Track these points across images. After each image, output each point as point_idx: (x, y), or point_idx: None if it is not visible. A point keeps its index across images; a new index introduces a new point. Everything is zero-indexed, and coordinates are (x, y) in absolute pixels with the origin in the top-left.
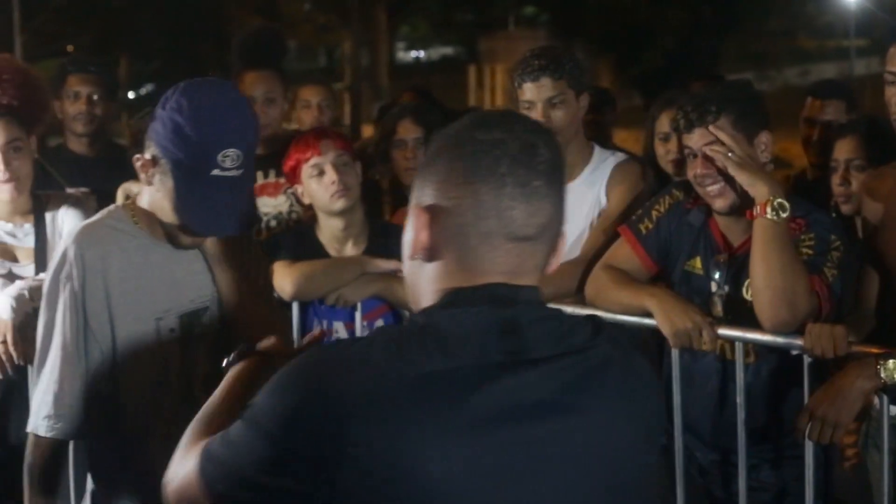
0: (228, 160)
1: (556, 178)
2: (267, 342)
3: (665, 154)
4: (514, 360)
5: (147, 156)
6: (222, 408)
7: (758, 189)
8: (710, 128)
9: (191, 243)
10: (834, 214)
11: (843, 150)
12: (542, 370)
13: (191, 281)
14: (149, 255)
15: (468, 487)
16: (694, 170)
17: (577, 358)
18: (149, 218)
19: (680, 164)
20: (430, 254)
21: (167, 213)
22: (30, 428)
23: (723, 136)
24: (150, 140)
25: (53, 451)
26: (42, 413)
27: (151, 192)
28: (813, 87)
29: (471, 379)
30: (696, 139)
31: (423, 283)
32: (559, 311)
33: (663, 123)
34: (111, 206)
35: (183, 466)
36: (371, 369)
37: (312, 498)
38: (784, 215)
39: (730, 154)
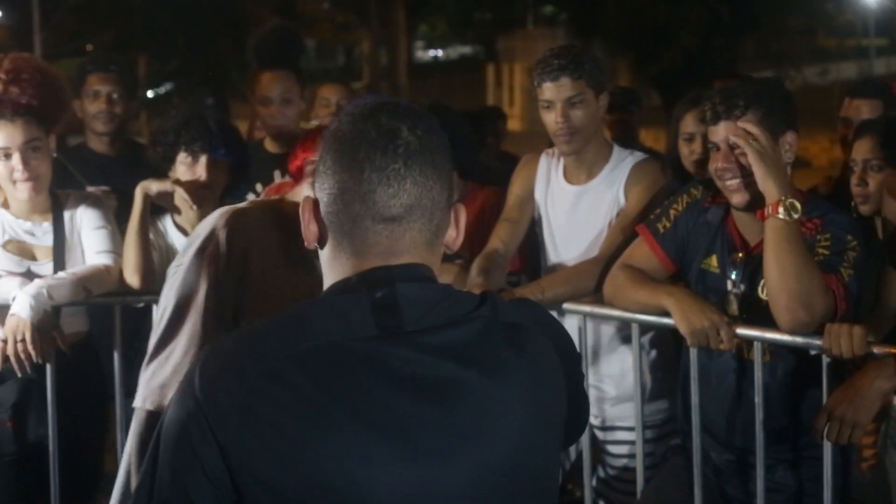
0: None
1: (419, 159)
2: None
3: (689, 154)
4: (390, 333)
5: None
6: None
7: (768, 186)
8: (739, 123)
9: None
10: (855, 215)
11: (861, 150)
12: (417, 341)
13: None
14: (290, 256)
15: (346, 453)
16: (715, 163)
17: (456, 329)
18: (297, 218)
19: (703, 164)
20: (320, 241)
21: None
22: (139, 404)
23: (751, 128)
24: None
25: None
26: (160, 388)
27: (308, 191)
28: (850, 87)
29: (349, 351)
30: (720, 132)
31: (325, 269)
32: (440, 286)
33: (688, 123)
34: (261, 198)
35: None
36: (251, 352)
37: (231, 476)
38: (795, 216)
39: (752, 142)
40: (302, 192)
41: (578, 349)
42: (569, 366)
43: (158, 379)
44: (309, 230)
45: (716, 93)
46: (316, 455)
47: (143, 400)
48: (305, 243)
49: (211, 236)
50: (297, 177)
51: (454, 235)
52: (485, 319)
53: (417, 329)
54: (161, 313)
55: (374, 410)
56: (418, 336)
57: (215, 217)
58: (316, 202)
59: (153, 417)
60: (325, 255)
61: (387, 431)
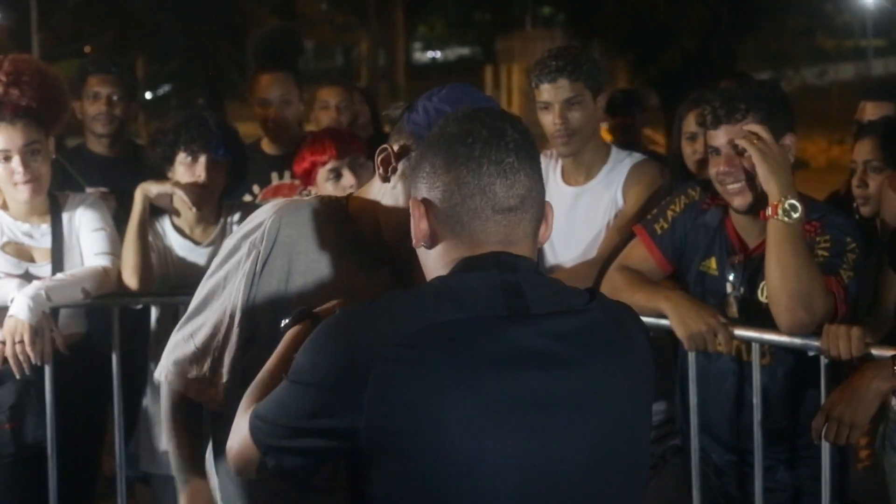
0: None
1: (527, 154)
2: (326, 305)
3: (692, 154)
4: (518, 315)
5: (395, 147)
6: (274, 372)
7: (771, 186)
8: (745, 127)
9: (411, 255)
10: (857, 216)
11: (862, 152)
12: (543, 324)
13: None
14: (343, 256)
15: (476, 420)
16: (717, 167)
17: (575, 317)
18: (361, 216)
19: (706, 163)
20: (432, 240)
21: (398, 212)
22: (158, 374)
23: (756, 128)
24: (402, 134)
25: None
26: (179, 364)
27: (384, 189)
28: (865, 90)
29: (482, 327)
30: (721, 136)
31: (432, 263)
32: (555, 279)
33: (690, 123)
34: (324, 195)
35: (239, 431)
36: (393, 319)
37: (353, 438)
38: (796, 216)
39: (756, 142)
40: (372, 188)
41: None
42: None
43: (178, 354)
44: (420, 229)
45: (715, 97)
46: (444, 421)
47: (161, 370)
48: (414, 242)
49: (260, 224)
50: (305, 179)
51: (544, 230)
52: (599, 311)
53: (542, 313)
54: (200, 287)
55: (504, 385)
56: (543, 319)
57: (268, 207)
58: (426, 202)
59: (169, 389)
60: (437, 252)
61: (514, 405)
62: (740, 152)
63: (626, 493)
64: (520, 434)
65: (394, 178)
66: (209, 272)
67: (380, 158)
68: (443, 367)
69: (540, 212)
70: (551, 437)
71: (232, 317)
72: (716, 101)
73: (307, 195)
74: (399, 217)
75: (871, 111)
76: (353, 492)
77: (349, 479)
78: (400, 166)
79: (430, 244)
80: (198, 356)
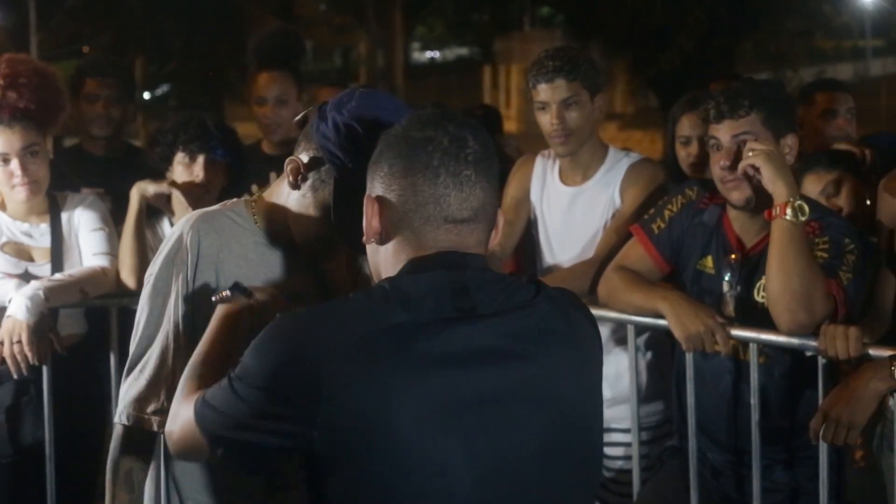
0: None
1: (485, 166)
2: (262, 289)
3: (686, 157)
4: (466, 315)
5: (304, 158)
6: (211, 356)
7: (778, 188)
8: (748, 145)
9: (321, 255)
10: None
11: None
12: (490, 322)
13: (298, 293)
14: (264, 257)
15: (427, 421)
16: (717, 161)
17: (522, 313)
18: (271, 219)
19: (699, 166)
20: (382, 237)
21: (308, 220)
22: (116, 419)
23: (756, 145)
24: (311, 143)
25: (144, 442)
26: (136, 402)
27: (293, 196)
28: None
29: (429, 329)
30: (723, 130)
31: (382, 260)
32: (503, 275)
33: (684, 126)
34: (233, 200)
35: (180, 417)
36: (342, 323)
37: (306, 442)
38: (803, 218)
39: (761, 144)
40: (282, 192)
41: None
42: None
43: (133, 392)
44: (371, 226)
45: (719, 92)
46: (396, 424)
47: (119, 415)
48: (364, 238)
49: (178, 243)
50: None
51: (494, 237)
52: (545, 304)
53: (489, 313)
54: (136, 325)
55: (454, 384)
56: (490, 318)
57: (182, 223)
58: (379, 200)
59: (129, 432)
60: (386, 250)
61: (464, 403)
62: (741, 149)
63: (582, 485)
64: (472, 432)
65: (304, 187)
66: (141, 307)
67: (289, 168)
68: (392, 370)
69: (493, 222)
70: (503, 434)
71: (176, 339)
72: (720, 97)
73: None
74: (309, 224)
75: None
76: (310, 493)
77: (307, 481)
78: (311, 177)
79: (381, 242)
80: (152, 388)
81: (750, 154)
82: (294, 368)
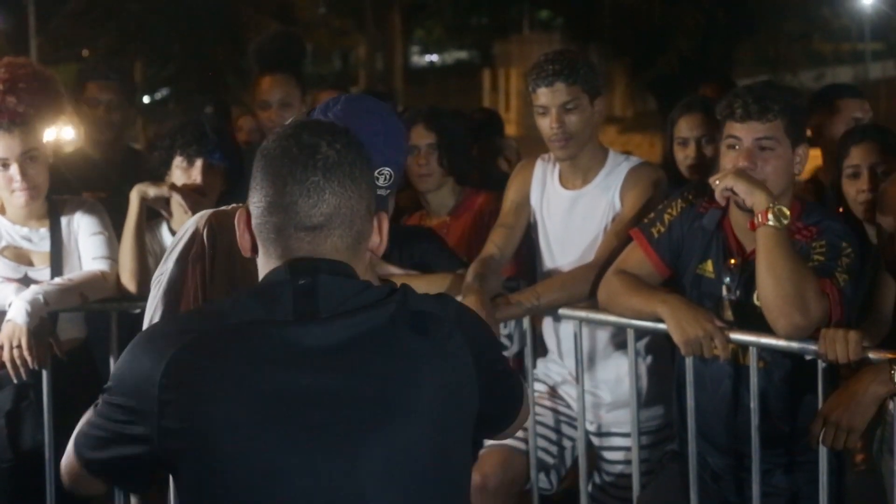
0: (382, 178)
1: (338, 172)
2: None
3: (684, 159)
4: (303, 318)
5: None
6: None
7: (756, 197)
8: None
9: None
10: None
11: (863, 156)
12: (328, 324)
13: None
14: None
15: (249, 421)
16: (734, 161)
17: (365, 314)
18: None
19: (698, 168)
20: (251, 250)
21: None
22: None
23: (779, 135)
24: None
25: None
26: None
27: None
28: (837, 90)
29: (262, 329)
30: (746, 131)
31: (260, 273)
32: (360, 281)
33: (682, 128)
34: (235, 205)
35: (68, 448)
36: (186, 325)
37: (149, 444)
38: (785, 222)
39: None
40: None
41: (574, 355)
42: (482, 355)
43: None
44: (244, 240)
45: (746, 91)
46: (227, 424)
47: None
48: (242, 252)
49: (193, 238)
50: None
51: (378, 241)
52: (394, 305)
53: (330, 315)
54: (148, 323)
55: (286, 387)
56: (330, 321)
57: (195, 219)
58: (248, 213)
59: None
60: (259, 262)
61: (296, 407)
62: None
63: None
64: (302, 440)
65: None
66: (153, 306)
67: None
68: (220, 370)
69: (358, 225)
70: (337, 443)
71: None
72: (748, 97)
73: None
74: None
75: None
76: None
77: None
78: None
79: (252, 253)
80: None
81: (717, 182)
82: (140, 369)
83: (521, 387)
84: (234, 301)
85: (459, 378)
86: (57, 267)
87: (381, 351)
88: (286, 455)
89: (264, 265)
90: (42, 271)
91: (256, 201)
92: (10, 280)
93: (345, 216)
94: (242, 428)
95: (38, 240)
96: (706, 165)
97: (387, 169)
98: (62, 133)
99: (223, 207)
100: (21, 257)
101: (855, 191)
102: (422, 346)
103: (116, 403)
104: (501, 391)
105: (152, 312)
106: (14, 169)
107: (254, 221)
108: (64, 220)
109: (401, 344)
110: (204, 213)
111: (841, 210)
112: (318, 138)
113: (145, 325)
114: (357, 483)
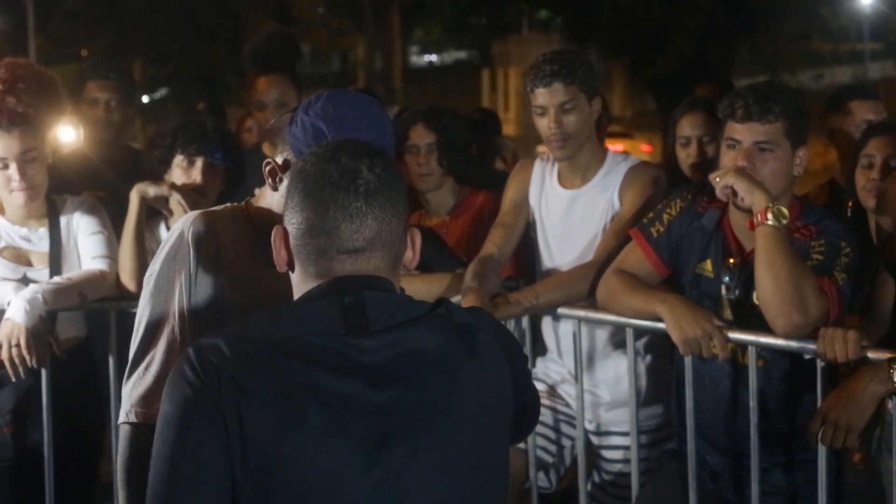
0: None
1: (378, 197)
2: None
3: (686, 158)
4: (355, 332)
5: (279, 160)
6: None
7: (755, 197)
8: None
9: None
10: (850, 214)
11: (881, 147)
12: (379, 337)
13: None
14: (262, 255)
15: (315, 430)
16: (733, 160)
17: (414, 328)
18: (261, 220)
19: (700, 167)
20: (289, 266)
21: None
22: (123, 419)
23: (779, 138)
24: (286, 145)
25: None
26: (143, 399)
27: (275, 198)
28: (850, 91)
29: (316, 342)
30: (746, 132)
31: (295, 289)
32: (402, 295)
33: (684, 127)
34: (227, 204)
35: None
36: (235, 341)
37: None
38: (784, 221)
39: (720, 173)
40: (266, 194)
41: (574, 354)
42: (515, 365)
43: (140, 390)
44: (280, 256)
45: (748, 91)
46: (284, 431)
47: (125, 414)
48: (277, 268)
49: (179, 240)
50: None
51: (410, 256)
52: (440, 319)
53: (381, 329)
54: (137, 324)
55: (339, 397)
56: (381, 333)
57: (182, 221)
58: (286, 232)
59: (138, 430)
60: (295, 278)
61: (350, 417)
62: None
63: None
64: (357, 449)
65: (282, 188)
66: (143, 307)
67: (267, 170)
68: (279, 382)
69: (397, 246)
70: (390, 451)
71: (182, 334)
72: (749, 97)
73: None
74: None
75: (860, 110)
76: None
77: None
78: (286, 178)
79: (291, 269)
80: (158, 384)
81: (717, 180)
82: (199, 395)
83: (539, 402)
84: (278, 314)
85: (500, 387)
86: (56, 267)
87: (431, 362)
88: (345, 464)
89: (301, 282)
90: (41, 272)
91: (297, 223)
92: (9, 280)
93: (385, 239)
94: (308, 436)
95: (38, 240)
96: (708, 165)
97: None
98: (61, 133)
99: (214, 208)
100: (20, 258)
101: (865, 179)
102: (468, 358)
103: (185, 422)
104: (528, 401)
105: (141, 313)
106: (13, 169)
107: (293, 242)
108: (63, 220)
109: (449, 355)
110: (190, 216)
111: (851, 204)
112: (357, 162)
113: (136, 325)
114: (405, 492)
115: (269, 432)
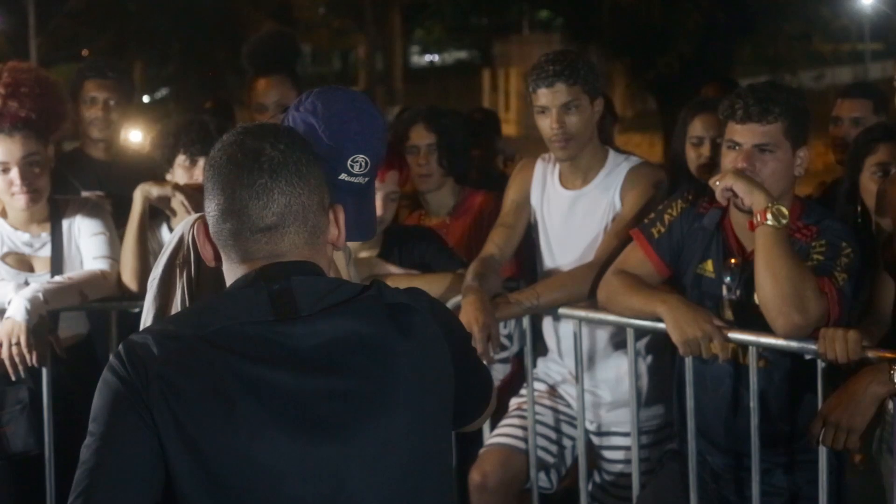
0: (357, 166)
1: (284, 171)
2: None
3: (696, 158)
4: (284, 318)
5: None
6: None
7: (755, 197)
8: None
9: None
10: (859, 219)
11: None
12: (309, 322)
13: None
14: None
15: (249, 422)
16: (734, 161)
17: (345, 310)
18: None
19: (709, 168)
20: (214, 259)
21: None
22: None
23: (778, 139)
24: None
25: None
26: None
27: None
28: (843, 89)
29: (243, 331)
30: (746, 133)
31: (227, 281)
32: (331, 279)
33: (696, 127)
34: None
35: None
36: (161, 338)
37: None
38: (784, 222)
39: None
40: None
41: (574, 354)
42: (455, 344)
43: None
44: (206, 251)
45: (748, 91)
46: (217, 424)
47: None
48: (206, 262)
49: (180, 243)
50: None
51: (336, 234)
52: (371, 300)
53: (311, 314)
54: (141, 326)
55: (272, 386)
56: (311, 319)
57: (183, 224)
58: (205, 224)
59: None
60: (225, 269)
61: (284, 405)
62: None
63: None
64: (292, 436)
65: None
66: (146, 309)
67: None
68: (211, 375)
69: (312, 220)
70: (326, 439)
71: None
72: (749, 98)
73: None
74: None
75: (848, 108)
76: None
77: None
78: None
79: (215, 263)
80: None
81: (717, 183)
82: (125, 392)
83: (492, 383)
84: (207, 306)
85: (438, 367)
86: (58, 271)
87: (363, 345)
88: (281, 454)
89: (230, 272)
90: (42, 277)
91: (211, 210)
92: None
93: (297, 213)
94: (244, 427)
95: (40, 245)
96: (717, 167)
97: (361, 156)
98: (131, 135)
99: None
100: (22, 263)
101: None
102: (401, 338)
103: (111, 417)
104: (474, 383)
105: (145, 316)
106: (14, 173)
107: (212, 231)
108: (65, 224)
109: (381, 337)
110: (191, 219)
111: (859, 209)
112: (260, 141)
113: (141, 328)
114: (345, 478)
115: (204, 427)
